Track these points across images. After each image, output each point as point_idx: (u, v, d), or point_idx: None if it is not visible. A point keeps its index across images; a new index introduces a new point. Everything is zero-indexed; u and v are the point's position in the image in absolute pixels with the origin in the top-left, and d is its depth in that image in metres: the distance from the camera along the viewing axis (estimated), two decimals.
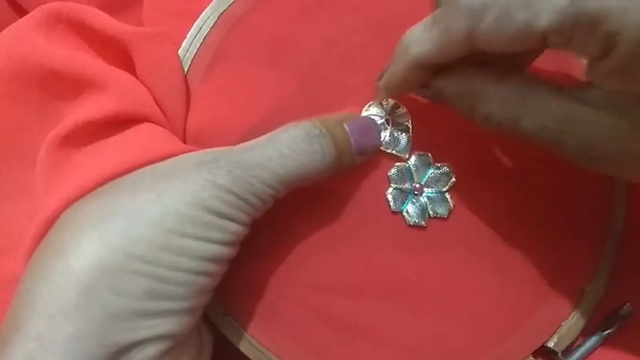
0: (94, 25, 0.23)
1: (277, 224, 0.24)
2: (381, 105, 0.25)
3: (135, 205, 0.19)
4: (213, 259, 0.20)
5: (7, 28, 0.23)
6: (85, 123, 0.21)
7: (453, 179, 0.26)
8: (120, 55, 0.24)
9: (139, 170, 0.21)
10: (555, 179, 0.26)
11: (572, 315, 0.26)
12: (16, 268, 0.20)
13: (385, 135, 0.25)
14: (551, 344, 0.26)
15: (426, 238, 0.25)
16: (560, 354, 0.26)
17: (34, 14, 0.23)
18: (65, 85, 0.22)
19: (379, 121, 0.25)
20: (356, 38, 0.26)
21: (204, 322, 0.23)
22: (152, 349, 0.18)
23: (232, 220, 0.20)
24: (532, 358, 0.26)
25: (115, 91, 0.22)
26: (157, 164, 0.21)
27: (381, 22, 0.26)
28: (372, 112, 0.25)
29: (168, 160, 0.21)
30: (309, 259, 0.24)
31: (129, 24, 0.26)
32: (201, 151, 0.22)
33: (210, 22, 0.25)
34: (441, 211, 0.25)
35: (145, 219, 0.18)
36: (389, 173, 0.25)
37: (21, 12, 0.27)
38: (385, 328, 0.25)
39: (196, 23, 0.25)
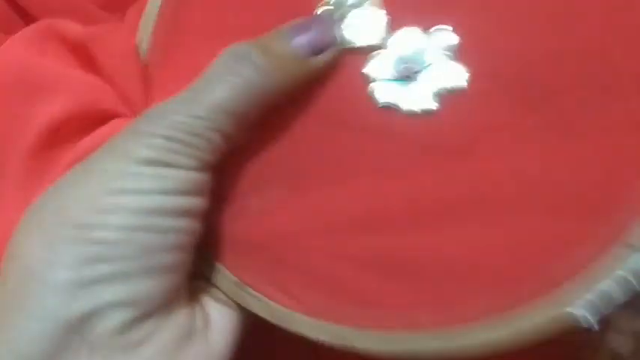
0: (68, 34, 0.24)
1: (256, 167, 0.21)
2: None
3: (65, 179, 0.19)
4: (154, 212, 0.18)
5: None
6: (50, 126, 0.22)
7: (457, 41, 0.20)
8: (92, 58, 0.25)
9: None
10: None
11: None
12: None
13: (343, 29, 0.21)
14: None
15: (441, 126, 0.20)
16: None
17: (25, 31, 0.25)
18: (28, 90, 0.23)
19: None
20: None
21: (221, 302, 0.21)
22: (108, 321, 0.17)
23: (168, 165, 0.18)
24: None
25: (74, 91, 0.23)
26: None
27: None
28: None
29: None
30: (303, 199, 0.21)
31: None
32: None
33: (158, 3, 0.25)
34: (452, 84, 0.20)
35: (72, 186, 0.18)
36: (363, 71, 0.21)
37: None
38: (419, 254, 0.20)
39: (147, 8, 0.25)
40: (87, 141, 0.22)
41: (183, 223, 0.19)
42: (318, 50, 0.20)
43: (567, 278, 0.18)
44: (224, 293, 0.21)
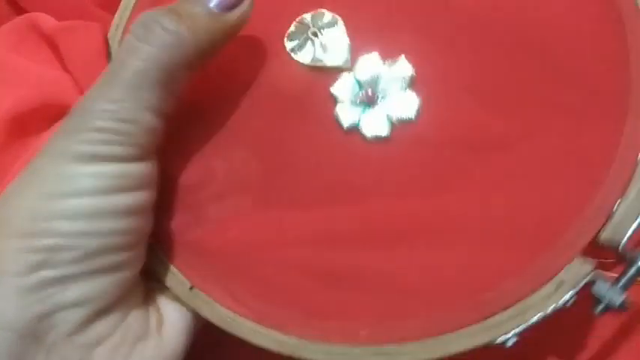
0: (43, 29, 0.24)
1: (219, 176, 0.22)
2: (300, 23, 0.22)
3: (9, 187, 0.19)
4: (96, 214, 0.18)
5: None
6: (12, 118, 0.21)
7: (412, 72, 0.21)
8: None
9: None
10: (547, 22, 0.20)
11: (627, 194, 0.19)
12: None
13: (314, 48, 0.22)
14: (603, 236, 0.19)
15: (396, 152, 0.21)
16: (620, 247, 0.19)
17: (5, 26, 0.24)
18: None
19: (301, 37, 0.22)
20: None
21: (175, 302, 0.22)
22: (64, 323, 0.18)
23: (105, 160, 0.18)
24: (582, 258, 0.19)
25: (36, 84, 0.22)
26: None
27: None
28: (292, 32, 0.22)
29: None
30: (261, 210, 0.21)
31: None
32: None
33: (132, 1, 0.24)
34: (407, 113, 0.21)
35: (14, 194, 0.18)
36: (331, 90, 0.22)
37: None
38: (371, 271, 0.21)
39: (121, 4, 0.25)
40: (44, 137, 0.22)
41: (126, 223, 0.19)
42: (226, 5, 0.20)
43: (498, 309, 0.19)
44: (176, 296, 0.22)
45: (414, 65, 0.21)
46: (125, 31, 0.24)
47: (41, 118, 0.22)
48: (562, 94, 0.20)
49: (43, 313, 0.17)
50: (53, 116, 0.23)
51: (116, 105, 0.18)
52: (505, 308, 0.19)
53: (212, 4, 0.19)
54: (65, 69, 0.24)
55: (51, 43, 0.24)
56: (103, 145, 0.18)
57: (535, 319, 0.19)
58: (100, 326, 0.18)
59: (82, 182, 0.18)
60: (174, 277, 0.22)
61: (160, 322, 0.21)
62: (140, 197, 0.19)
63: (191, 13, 0.19)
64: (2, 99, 0.22)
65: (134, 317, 0.20)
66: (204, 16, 0.19)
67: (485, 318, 0.19)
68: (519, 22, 0.21)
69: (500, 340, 0.19)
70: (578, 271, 0.19)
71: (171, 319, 0.21)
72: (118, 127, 0.18)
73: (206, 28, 0.19)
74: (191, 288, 0.21)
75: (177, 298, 0.22)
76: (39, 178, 0.18)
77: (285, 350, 0.20)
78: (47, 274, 0.17)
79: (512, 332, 0.19)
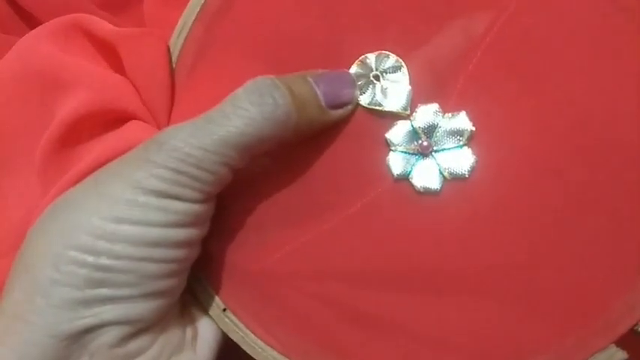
0: (95, 32, 0.24)
1: (264, 204, 0.22)
2: (363, 63, 0.22)
3: (75, 196, 0.19)
4: (157, 244, 0.18)
5: (24, 37, 0.24)
6: (72, 122, 0.22)
7: (472, 128, 0.21)
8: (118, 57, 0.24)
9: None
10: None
11: None
12: None
13: (375, 92, 0.22)
14: None
15: (444, 205, 0.21)
16: None
17: (48, 24, 0.24)
18: (53, 86, 0.23)
19: (363, 80, 0.22)
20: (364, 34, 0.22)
21: (208, 316, 0.22)
22: (108, 336, 0.18)
23: (175, 198, 0.19)
24: (615, 347, 0.19)
25: (95, 87, 0.22)
26: None
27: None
28: (354, 72, 0.22)
29: None
30: (305, 243, 0.22)
31: (129, 24, 0.27)
32: None
33: (194, 13, 0.24)
34: (460, 169, 0.21)
35: (82, 208, 0.19)
36: (387, 135, 0.21)
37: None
38: (404, 318, 0.21)
39: (183, 14, 0.25)
40: (101, 147, 0.22)
41: (182, 253, 0.20)
42: (334, 104, 0.21)
43: None
44: (210, 316, 0.22)
45: (475, 123, 0.21)
46: (186, 40, 0.24)
47: (98, 121, 0.23)
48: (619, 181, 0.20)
49: (90, 326, 0.18)
50: (110, 121, 0.23)
51: (202, 154, 0.18)
52: None
53: (325, 102, 0.20)
54: (125, 74, 0.24)
55: (108, 47, 0.24)
56: (176, 185, 0.18)
57: None
58: (141, 341, 0.19)
59: (151, 214, 0.18)
60: (209, 298, 0.22)
61: (195, 336, 0.22)
62: (196, 232, 0.20)
63: (304, 98, 0.20)
64: (65, 101, 0.22)
65: (172, 331, 0.20)
66: (314, 107, 0.20)
67: None
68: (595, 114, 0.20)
69: None
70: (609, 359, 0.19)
71: (204, 333, 0.22)
72: (195, 174, 0.19)
73: (311, 117, 0.20)
74: (224, 310, 0.22)
75: (210, 317, 0.22)
76: (108, 201, 0.18)
77: None
78: (102, 292, 0.18)
79: None
